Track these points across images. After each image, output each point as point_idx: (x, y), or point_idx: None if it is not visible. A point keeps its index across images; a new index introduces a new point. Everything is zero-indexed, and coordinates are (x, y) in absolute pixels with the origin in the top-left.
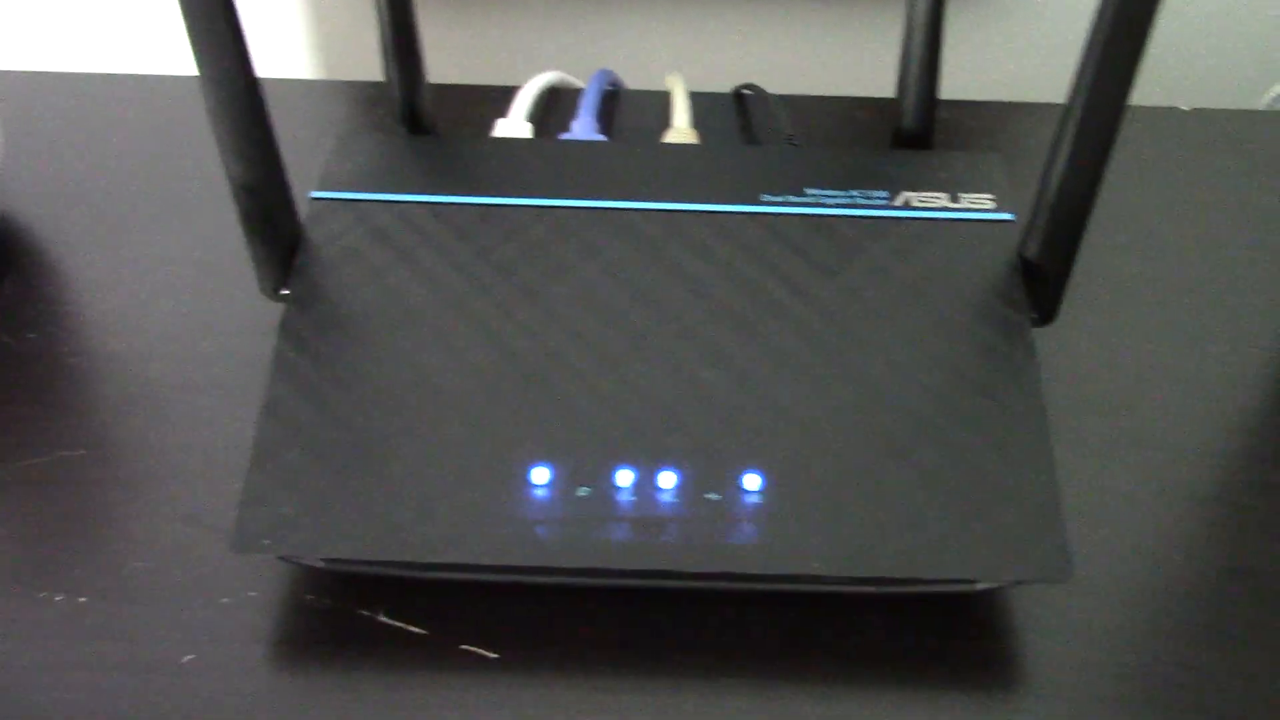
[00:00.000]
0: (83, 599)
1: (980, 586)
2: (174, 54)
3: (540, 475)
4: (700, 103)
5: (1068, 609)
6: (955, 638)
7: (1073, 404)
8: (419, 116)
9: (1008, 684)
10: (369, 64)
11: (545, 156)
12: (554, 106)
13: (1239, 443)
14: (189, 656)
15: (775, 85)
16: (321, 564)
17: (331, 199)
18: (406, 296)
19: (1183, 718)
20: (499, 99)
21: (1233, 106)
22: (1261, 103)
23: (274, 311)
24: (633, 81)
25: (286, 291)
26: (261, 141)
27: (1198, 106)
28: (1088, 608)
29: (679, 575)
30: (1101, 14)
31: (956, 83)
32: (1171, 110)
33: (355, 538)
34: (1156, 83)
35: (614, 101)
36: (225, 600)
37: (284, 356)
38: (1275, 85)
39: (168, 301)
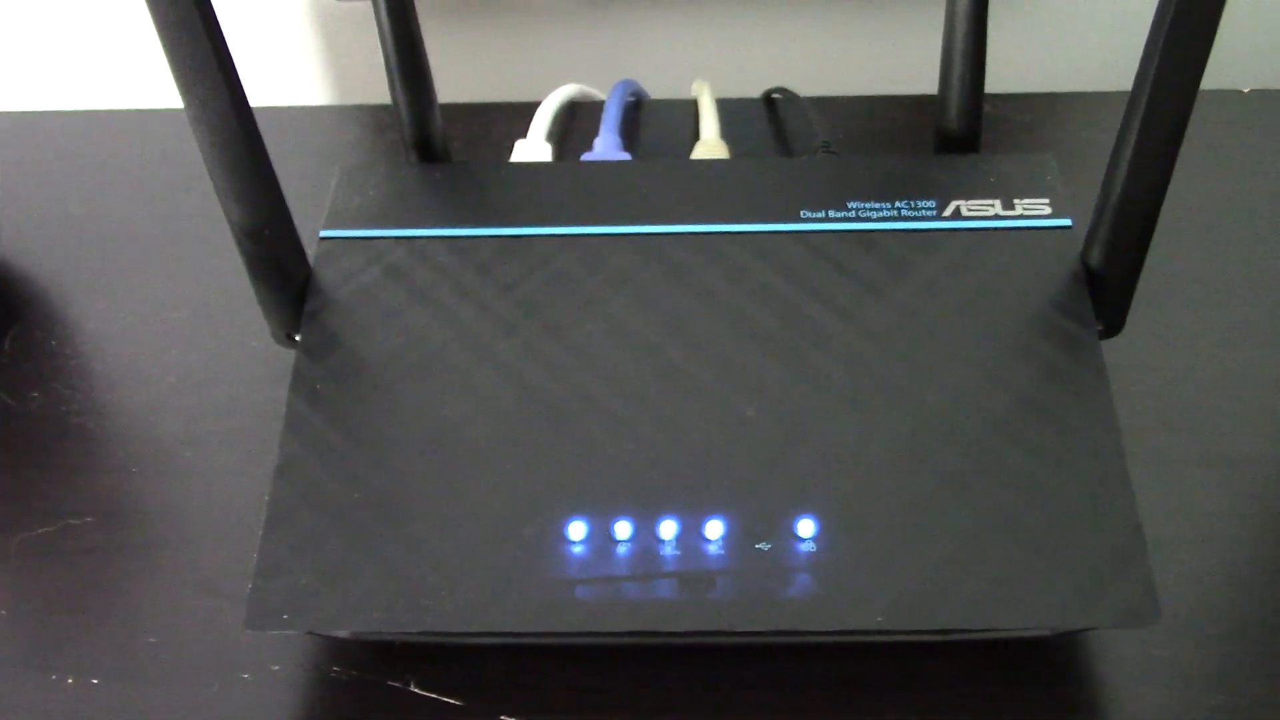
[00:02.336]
0: (95, 680)
1: (1056, 631)
2: (168, 85)
3: (576, 530)
4: (729, 109)
5: (1150, 647)
6: (1029, 684)
7: (1145, 420)
8: (430, 142)
9: None
10: (383, 85)
11: (566, 181)
12: (574, 122)
13: None
14: None
15: (807, 86)
16: (346, 634)
17: (341, 237)
18: (424, 340)
19: None
20: (516, 116)
21: None
22: None
23: (290, 356)
24: (657, 90)
25: (300, 337)
26: (261, 182)
27: (1257, 88)
28: (1172, 646)
29: (731, 632)
30: None
31: (999, 73)
32: (1231, 93)
33: (379, 609)
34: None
35: (637, 113)
36: (246, 676)
37: (296, 411)
38: None
39: (176, 350)
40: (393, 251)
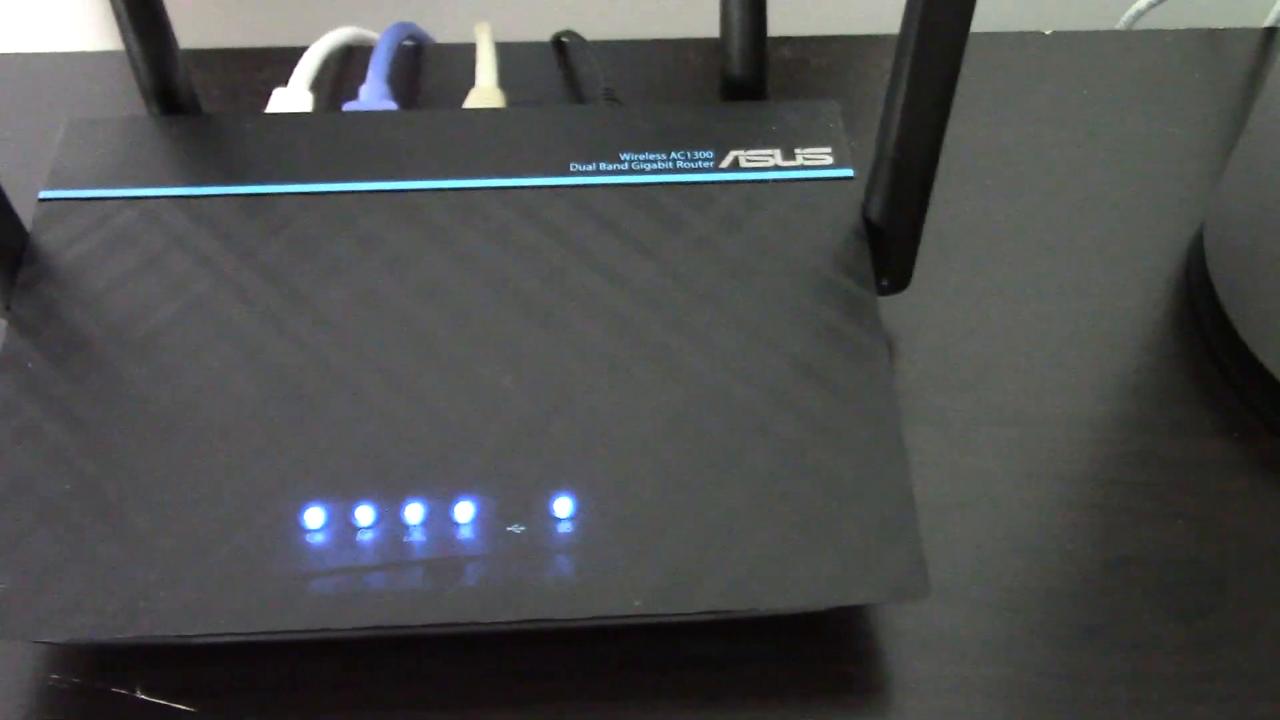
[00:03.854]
0: None
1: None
2: None
3: (313, 518)
4: (514, 55)
5: (932, 618)
6: (806, 661)
7: (930, 379)
8: (173, 92)
9: (869, 712)
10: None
11: (321, 133)
12: (348, 70)
13: (1115, 409)
14: None
15: (602, 29)
16: (56, 641)
17: (63, 198)
18: (152, 312)
19: None
20: (285, 63)
21: (1092, 28)
22: (1120, 23)
23: None
24: (442, 34)
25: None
26: None
27: (1060, 30)
28: (954, 616)
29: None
30: None
31: (796, 12)
32: (1034, 35)
33: (91, 613)
34: (1018, 5)
35: (418, 59)
36: None
37: (4, 393)
38: (1134, 4)
39: None
40: (121, 214)
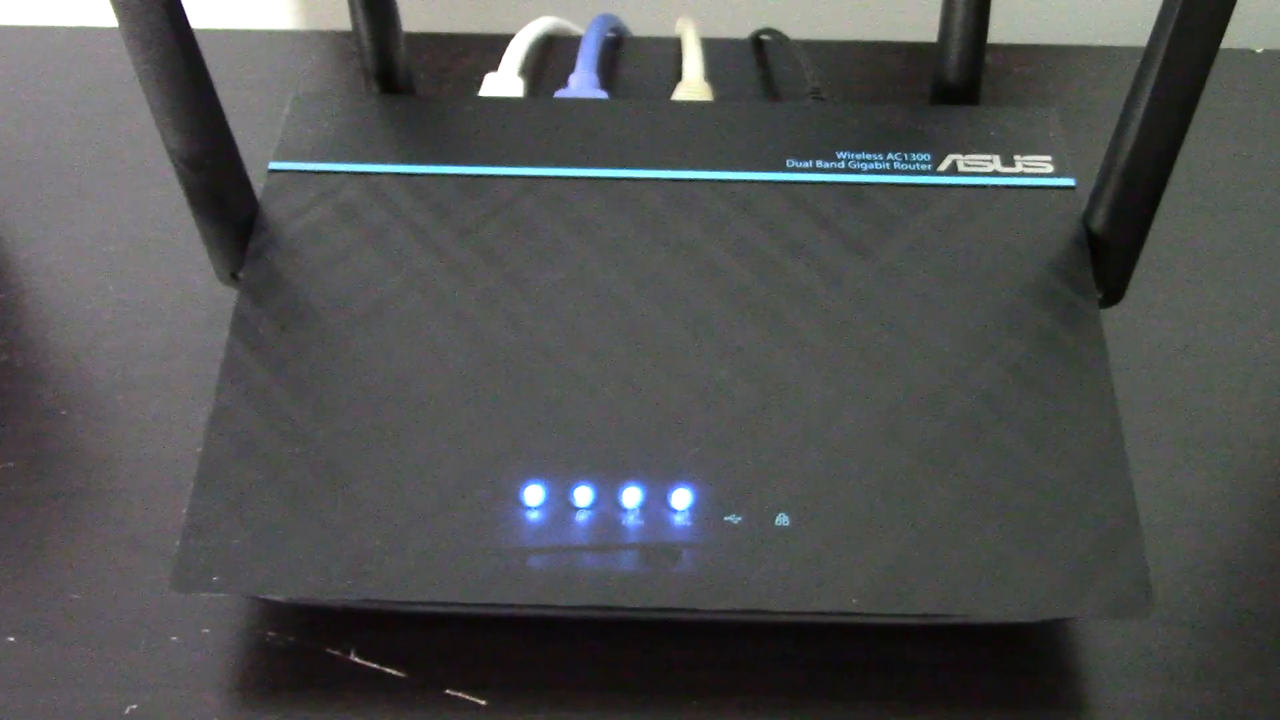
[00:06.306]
0: (11, 638)
1: (1041, 619)
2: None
3: (533, 495)
4: (714, 50)
5: (1138, 639)
6: (1011, 674)
7: (1142, 396)
8: (393, 72)
9: None
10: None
11: (537, 118)
12: (550, 58)
13: None
14: (132, 706)
15: (798, 29)
16: (280, 599)
17: (292, 170)
18: (375, 284)
19: None
20: (489, 49)
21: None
22: None
23: (233, 297)
24: (639, 27)
25: (242, 276)
26: (202, 105)
27: (1271, 48)
28: (1164, 637)
29: (695, 610)
30: None
31: (1000, 22)
32: (1244, 53)
33: (316, 574)
34: None
35: (617, 51)
36: (174, 639)
37: (235, 356)
38: None
39: (112, 286)
40: (346, 187)
